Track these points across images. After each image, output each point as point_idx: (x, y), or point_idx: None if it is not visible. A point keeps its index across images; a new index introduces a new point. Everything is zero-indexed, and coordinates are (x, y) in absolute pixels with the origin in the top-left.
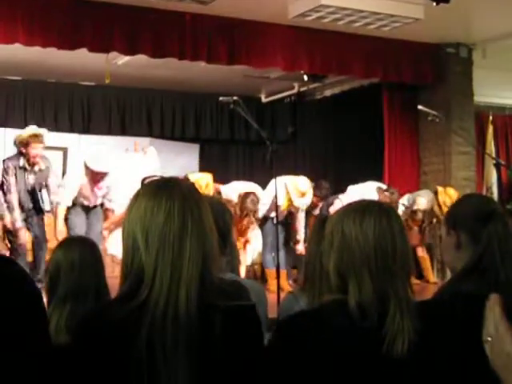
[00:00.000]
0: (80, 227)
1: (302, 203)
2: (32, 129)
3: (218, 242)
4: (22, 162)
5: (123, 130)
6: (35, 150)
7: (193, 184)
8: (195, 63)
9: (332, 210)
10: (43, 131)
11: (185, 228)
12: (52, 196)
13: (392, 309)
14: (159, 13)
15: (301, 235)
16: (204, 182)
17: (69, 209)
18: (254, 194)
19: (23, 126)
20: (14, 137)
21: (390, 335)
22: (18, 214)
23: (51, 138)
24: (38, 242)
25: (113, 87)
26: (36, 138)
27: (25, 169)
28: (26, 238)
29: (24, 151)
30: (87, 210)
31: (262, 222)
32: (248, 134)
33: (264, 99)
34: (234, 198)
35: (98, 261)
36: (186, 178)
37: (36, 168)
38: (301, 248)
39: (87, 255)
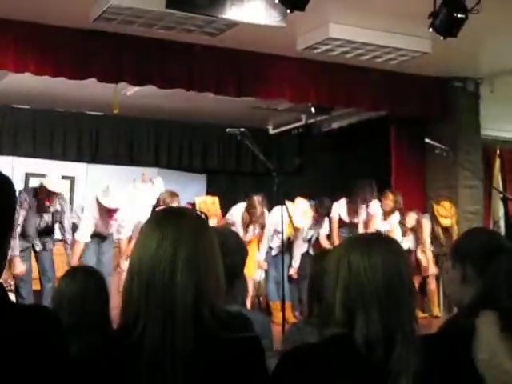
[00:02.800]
0: (91, 258)
1: (303, 223)
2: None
3: (224, 274)
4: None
5: (131, 161)
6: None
7: (201, 215)
8: (203, 94)
9: None
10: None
11: (177, 258)
12: (67, 234)
13: (398, 344)
14: (168, 44)
15: (296, 261)
16: (210, 200)
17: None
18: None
19: (32, 154)
20: None
21: (394, 372)
22: (16, 244)
23: (59, 167)
24: (45, 273)
25: (121, 117)
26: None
27: (40, 207)
28: (22, 267)
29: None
30: (99, 237)
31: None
32: (255, 165)
33: (271, 131)
34: (238, 219)
35: (102, 291)
36: (193, 204)
37: (51, 209)
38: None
39: (91, 286)
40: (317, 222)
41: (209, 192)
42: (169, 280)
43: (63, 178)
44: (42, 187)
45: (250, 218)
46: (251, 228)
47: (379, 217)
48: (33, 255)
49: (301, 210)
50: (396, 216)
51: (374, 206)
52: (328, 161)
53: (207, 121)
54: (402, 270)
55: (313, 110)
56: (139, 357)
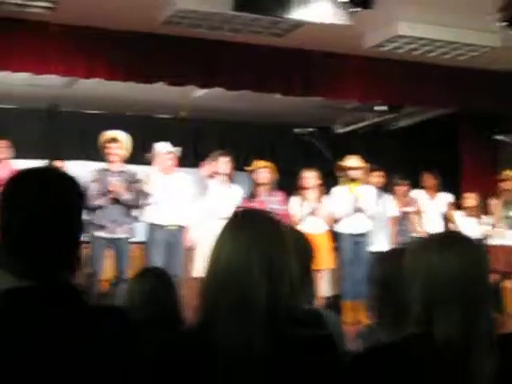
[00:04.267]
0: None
1: None
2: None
3: (297, 274)
4: None
5: (198, 163)
6: None
7: (275, 217)
8: (270, 95)
9: None
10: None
11: (252, 258)
12: None
13: (476, 344)
14: (235, 46)
15: None
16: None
17: None
18: None
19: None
20: None
21: (472, 371)
22: None
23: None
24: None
25: (188, 119)
26: None
27: None
28: None
29: None
30: None
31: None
32: (322, 164)
33: (338, 130)
34: None
35: (172, 290)
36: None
37: None
38: None
39: (160, 286)
40: None
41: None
42: (244, 280)
43: None
44: None
45: None
46: None
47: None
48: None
49: None
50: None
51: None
52: (396, 159)
53: (274, 121)
54: (481, 268)
55: (381, 108)
56: (216, 355)
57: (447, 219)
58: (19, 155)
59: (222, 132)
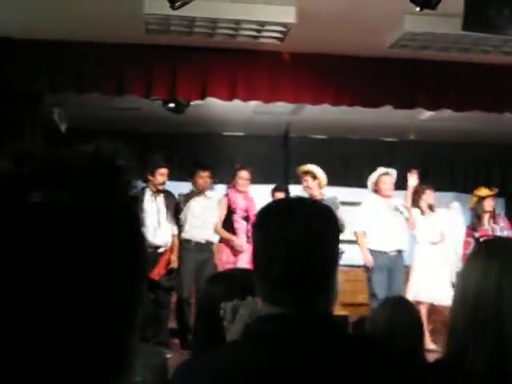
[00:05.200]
0: None
1: None
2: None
3: None
4: None
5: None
6: None
7: None
8: (502, 115)
9: None
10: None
11: (502, 287)
12: None
13: None
14: (464, 66)
15: None
16: None
17: None
18: None
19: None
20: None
21: None
22: None
23: (354, 193)
24: None
25: (415, 142)
26: None
27: None
28: None
29: None
30: None
31: None
32: None
33: None
34: None
35: (412, 318)
36: None
37: None
38: None
39: (402, 314)
40: None
41: (508, 215)
42: (495, 310)
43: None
44: None
45: None
46: None
47: None
48: None
49: None
50: None
51: None
52: None
53: (506, 141)
54: None
55: None
56: None
57: None
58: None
59: (451, 153)
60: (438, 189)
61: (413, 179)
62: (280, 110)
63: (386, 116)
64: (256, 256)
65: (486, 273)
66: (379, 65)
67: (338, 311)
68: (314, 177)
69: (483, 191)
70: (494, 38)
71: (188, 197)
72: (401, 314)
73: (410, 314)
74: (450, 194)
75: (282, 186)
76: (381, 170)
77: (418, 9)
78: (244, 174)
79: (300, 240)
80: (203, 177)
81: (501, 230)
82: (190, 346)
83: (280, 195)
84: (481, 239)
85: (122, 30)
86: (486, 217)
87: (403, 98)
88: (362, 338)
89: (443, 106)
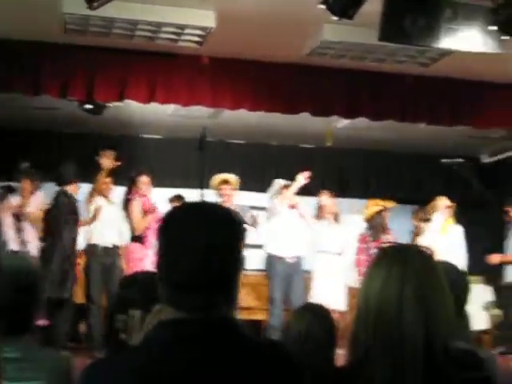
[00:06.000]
0: None
1: None
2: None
3: (453, 310)
4: None
5: (341, 192)
6: None
7: (426, 252)
8: (415, 124)
9: None
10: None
11: (404, 296)
12: None
13: None
14: (379, 76)
15: None
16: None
17: None
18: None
19: (243, 187)
20: None
21: None
22: None
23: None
24: None
25: (332, 149)
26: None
27: None
28: None
29: None
30: None
31: None
32: (470, 195)
33: (485, 160)
34: None
35: (328, 330)
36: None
37: None
38: None
39: (317, 322)
40: None
41: None
42: (396, 319)
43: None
44: None
45: None
46: None
47: None
48: None
49: None
50: None
51: None
52: None
53: (418, 151)
54: None
55: None
56: None
57: None
58: (165, 184)
59: (366, 162)
60: (352, 196)
61: (302, 177)
62: (198, 113)
63: (304, 122)
64: (160, 261)
65: (388, 280)
66: (298, 71)
67: (249, 316)
68: (231, 185)
69: (382, 204)
70: (410, 49)
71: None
72: (318, 320)
73: (327, 321)
74: (364, 202)
75: (178, 196)
76: (282, 181)
77: (335, 18)
78: (145, 179)
79: (203, 245)
80: (106, 182)
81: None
82: (97, 348)
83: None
84: (383, 246)
85: (41, 29)
86: (382, 228)
87: (320, 105)
88: (266, 343)
89: (359, 114)
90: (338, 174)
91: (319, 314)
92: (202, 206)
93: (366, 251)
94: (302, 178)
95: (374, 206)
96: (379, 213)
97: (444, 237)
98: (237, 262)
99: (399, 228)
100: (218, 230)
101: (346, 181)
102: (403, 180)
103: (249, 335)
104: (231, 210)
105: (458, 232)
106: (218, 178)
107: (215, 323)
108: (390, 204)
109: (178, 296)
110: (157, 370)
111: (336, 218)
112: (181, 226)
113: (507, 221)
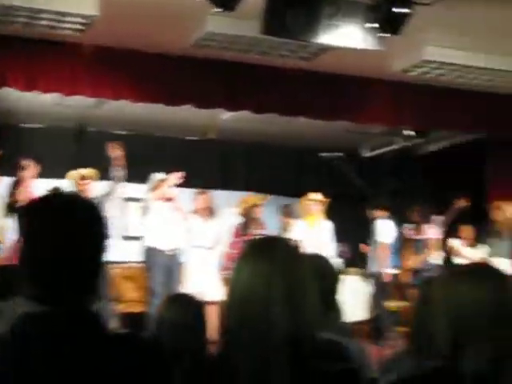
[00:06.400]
0: None
1: None
2: None
3: (319, 301)
4: None
5: (224, 185)
6: None
7: (294, 243)
8: (297, 118)
9: None
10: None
11: (271, 290)
12: None
13: (506, 377)
14: (262, 69)
15: None
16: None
17: None
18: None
19: (127, 179)
20: None
21: None
22: None
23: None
24: None
25: (216, 142)
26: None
27: None
28: None
29: None
30: None
31: None
32: (348, 189)
33: (365, 154)
34: None
35: (199, 318)
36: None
37: None
38: None
39: (188, 312)
40: None
41: None
42: (263, 313)
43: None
44: None
45: None
46: None
47: None
48: None
49: None
50: None
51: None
52: (424, 184)
53: (301, 144)
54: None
55: (408, 133)
56: None
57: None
58: (47, 174)
59: (248, 155)
60: (234, 188)
61: (173, 178)
62: (81, 103)
63: (188, 114)
64: (21, 254)
65: (255, 272)
66: (182, 63)
67: (130, 308)
68: (90, 179)
69: (253, 199)
70: (292, 43)
71: None
72: (186, 308)
73: (195, 308)
74: (247, 194)
75: (56, 189)
76: (160, 175)
77: (216, 9)
78: (29, 170)
79: (63, 238)
80: None
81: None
82: None
83: None
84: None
85: None
86: (254, 222)
87: (204, 97)
88: (128, 335)
89: (241, 107)
90: (221, 166)
91: (187, 301)
92: (61, 198)
93: (238, 244)
94: (174, 179)
95: (247, 200)
96: (252, 207)
97: (312, 232)
98: (98, 254)
99: (282, 222)
100: (78, 223)
101: (229, 173)
102: (284, 174)
103: (107, 329)
104: (92, 201)
105: (327, 227)
106: (75, 173)
107: (77, 316)
108: (261, 199)
109: (39, 289)
110: (22, 363)
111: (210, 212)
112: (40, 219)
113: (371, 219)
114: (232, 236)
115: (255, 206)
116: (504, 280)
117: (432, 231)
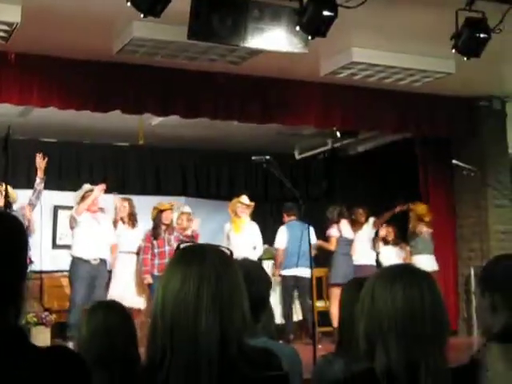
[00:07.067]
0: None
1: None
2: None
3: (250, 305)
4: None
5: (158, 190)
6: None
7: (224, 251)
8: (228, 122)
9: None
10: None
11: (201, 297)
12: None
13: (423, 377)
14: (191, 74)
15: None
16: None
17: None
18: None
19: (58, 187)
20: None
21: None
22: None
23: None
24: None
25: (147, 147)
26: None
27: None
28: None
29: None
30: None
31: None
32: (281, 191)
33: (297, 156)
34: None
35: (127, 327)
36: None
37: None
38: None
39: (113, 320)
40: None
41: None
42: (193, 320)
43: None
44: None
45: None
46: None
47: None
48: None
49: None
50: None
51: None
52: (355, 184)
53: (233, 148)
54: (426, 301)
55: (338, 134)
56: None
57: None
58: None
59: (180, 160)
60: (170, 193)
61: (97, 190)
62: (7, 111)
63: (116, 120)
64: None
65: (185, 280)
66: (108, 69)
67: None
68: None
69: (162, 205)
70: (220, 47)
71: None
72: (113, 317)
73: (120, 313)
74: (182, 199)
75: None
76: (87, 186)
77: (142, 15)
78: None
79: None
80: None
81: (175, 240)
82: None
83: None
84: (181, 246)
85: None
86: (163, 227)
87: (131, 103)
88: (52, 350)
89: (171, 112)
90: (154, 172)
91: (110, 307)
92: None
93: (150, 250)
94: (98, 191)
95: (157, 205)
96: (159, 212)
97: (239, 235)
98: (21, 269)
99: (219, 225)
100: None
101: (161, 179)
102: (218, 178)
103: (34, 345)
104: (13, 216)
105: (253, 229)
106: None
107: (2, 334)
108: (169, 205)
109: None
110: None
111: (130, 218)
112: None
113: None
114: (144, 241)
115: (163, 211)
116: (420, 279)
117: (333, 231)
